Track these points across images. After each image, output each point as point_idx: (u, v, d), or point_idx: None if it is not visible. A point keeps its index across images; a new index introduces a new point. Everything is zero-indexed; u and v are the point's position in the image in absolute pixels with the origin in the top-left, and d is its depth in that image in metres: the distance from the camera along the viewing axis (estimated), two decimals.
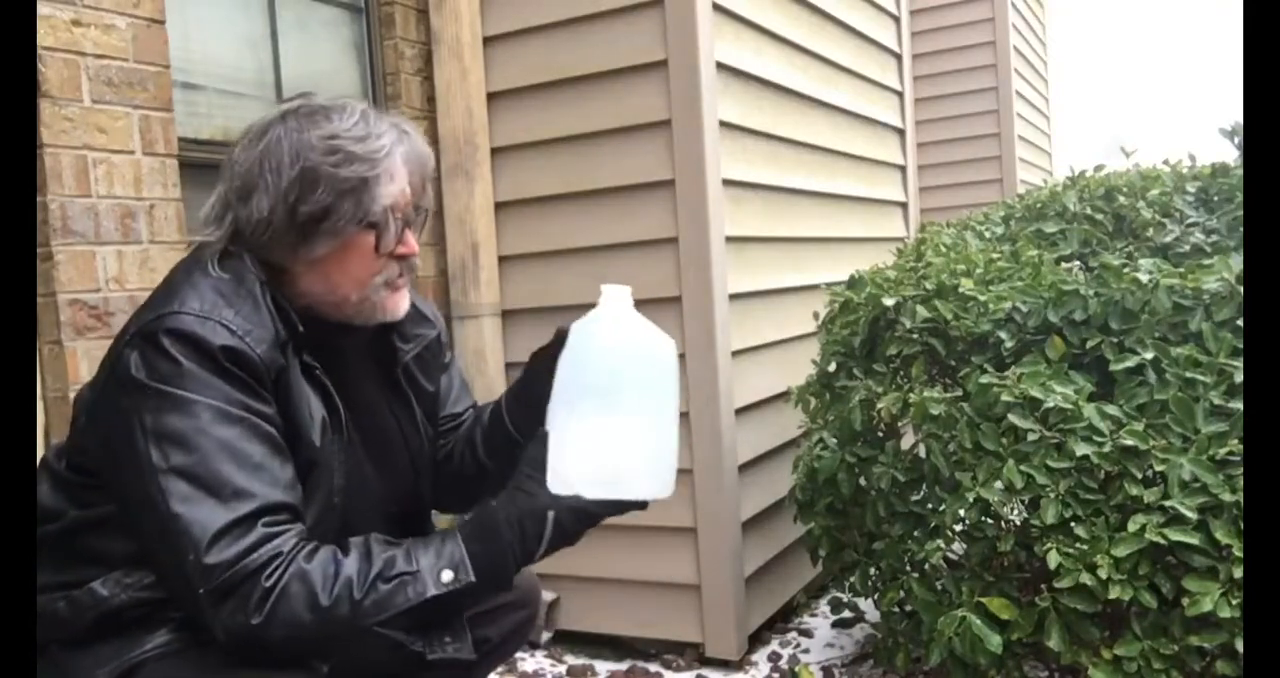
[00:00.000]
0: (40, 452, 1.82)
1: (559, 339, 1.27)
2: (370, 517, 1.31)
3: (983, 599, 1.79)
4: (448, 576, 1.12)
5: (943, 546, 1.89)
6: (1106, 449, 1.68)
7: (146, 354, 1.13)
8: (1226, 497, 1.58)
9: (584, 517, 1.18)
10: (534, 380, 1.34)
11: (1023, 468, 1.73)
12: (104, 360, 1.22)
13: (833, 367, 2.37)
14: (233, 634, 1.07)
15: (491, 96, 2.69)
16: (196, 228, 1.27)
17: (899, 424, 2.17)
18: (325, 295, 1.26)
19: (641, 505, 1.20)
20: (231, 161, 1.25)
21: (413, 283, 1.37)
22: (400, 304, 1.30)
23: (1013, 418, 1.77)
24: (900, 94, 3.96)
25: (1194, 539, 1.59)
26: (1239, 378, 1.66)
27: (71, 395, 1.85)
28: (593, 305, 1.24)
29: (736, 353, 2.58)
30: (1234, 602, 1.56)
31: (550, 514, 1.16)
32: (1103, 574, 1.63)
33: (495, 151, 2.70)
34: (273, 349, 1.17)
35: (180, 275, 1.22)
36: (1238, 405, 1.64)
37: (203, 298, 1.16)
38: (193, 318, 1.13)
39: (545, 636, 2.70)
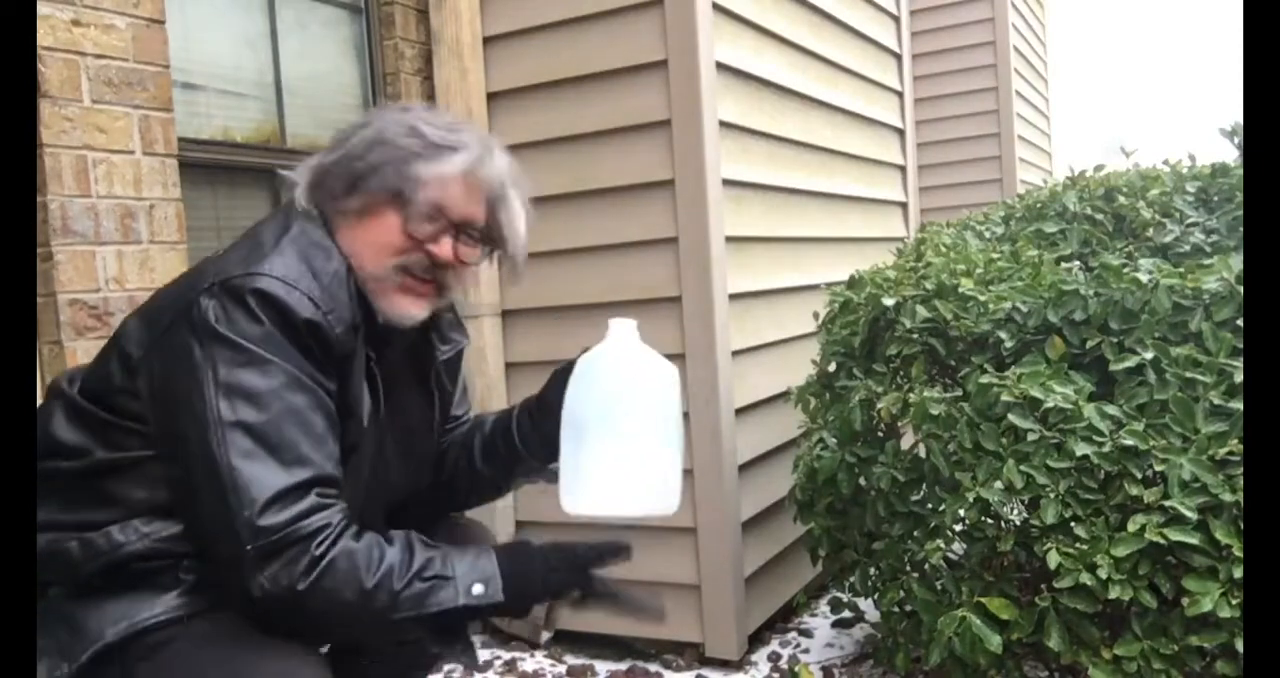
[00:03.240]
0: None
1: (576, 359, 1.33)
2: (376, 507, 1.34)
3: (983, 599, 1.79)
4: (479, 589, 1.16)
5: (943, 546, 1.89)
6: (1106, 449, 1.68)
7: (228, 307, 1.13)
8: (1226, 497, 1.58)
9: (602, 556, 1.26)
10: (549, 397, 1.39)
11: (1023, 468, 1.73)
12: (164, 299, 1.22)
13: (833, 367, 2.37)
14: (271, 596, 1.07)
15: (491, 96, 2.69)
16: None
17: (899, 424, 2.17)
18: (349, 257, 1.25)
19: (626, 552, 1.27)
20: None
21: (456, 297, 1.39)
22: (407, 309, 1.28)
23: (1013, 418, 1.77)
24: (900, 94, 3.96)
25: (1194, 539, 1.59)
26: (1239, 378, 1.66)
27: None
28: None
29: (736, 353, 2.58)
30: (1234, 602, 1.56)
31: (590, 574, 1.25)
32: (1103, 574, 1.63)
33: None
34: (349, 332, 1.20)
35: (269, 237, 1.22)
36: (1238, 405, 1.64)
37: (290, 266, 1.17)
38: (281, 283, 1.14)
39: (545, 636, 2.70)
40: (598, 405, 1.26)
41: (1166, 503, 1.62)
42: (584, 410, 1.27)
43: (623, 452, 1.24)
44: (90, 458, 1.20)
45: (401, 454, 1.38)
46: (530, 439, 1.44)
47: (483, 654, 2.67)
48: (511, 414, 1.49)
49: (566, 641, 2.71)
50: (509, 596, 1.18)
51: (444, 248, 1.26)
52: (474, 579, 1.16)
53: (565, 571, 1.24)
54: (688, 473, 2.50)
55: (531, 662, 2.62)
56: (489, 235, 1.31)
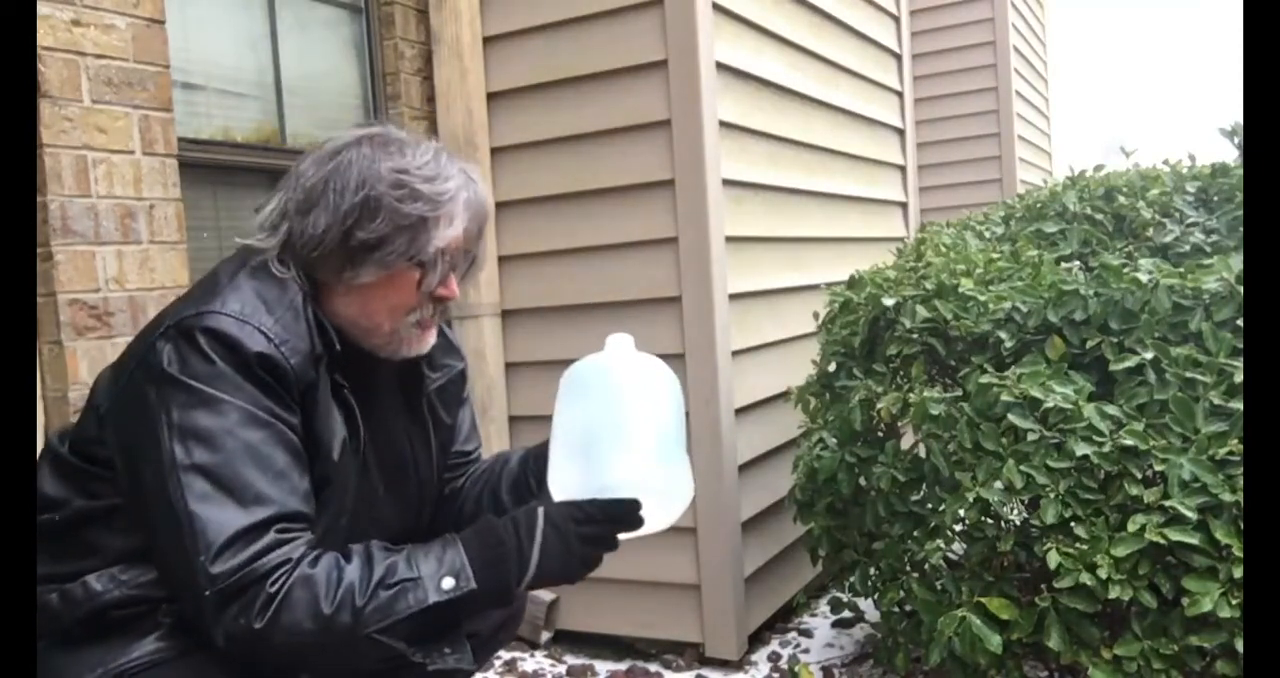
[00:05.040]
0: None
1: None
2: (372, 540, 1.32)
3: (983, 599, 1.79)
4: (449, 583, 1.12)
5: (943, 546, 1.89)
6: (1106, 449, 1.68)
7: (181, 349, 1.12)
8: (1226, 497, 1.58)
9: (578, 514, 1.18)
10: None
11: (1023, 468, 1.73)
12: (131, 347, 1.22)
13: (833, 367, 2.37)
14: (234, 639, 1.06)
15: (491, 96, 2.69)
16: (250, 231, 1.28)
17: (899, 424, 2.17)
18: (359, 319, 1.26)
19: (634, 512, 1.19)
20: (298, 173, 1.26)
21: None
22: (426, 342, 1.31)
23: (1013, 418, 1.77)
24: (900, 94, 3.96)
25: (1194, 539, 1.59)
26: (1239, 378, 1.66)
27: (72, 396, 1.85)
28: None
29: (736, 353, 2.58)
30: (1234, 602, 1.56)
31: (540, 511, 1.17)
32: (1103, 574, 1.63)
33: (495, 151, 2.70)
34: (306, 362, 1.18)
35: (224, 275, 1.22)
36: (1238, 405, 1.64)
37: (244, 301, 1.16)
38: (232, 320, 1.13)
39: (545, 636, 2.70)
40: (608, 412, 1.21)
41: (1166, 503, 1.62)
42: (590, 419, 1.21)
43: (638, 458, 1.19)
44: (70, 508, 1.21)
45: (391, 487, 1.36)
46: None
47: None
48: (526, 457, 1.48)
49: (566, 641, 2.71)
50: (484, 582, 1.13)
51: (451, 287, 1.28)
52: (443, 574, 1.12)
53: (540, 538, 1.16)
54: None
55: (531, 662, 2.62)
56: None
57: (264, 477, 1.10)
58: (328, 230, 1.20)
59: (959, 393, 1.92)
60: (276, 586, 1.06)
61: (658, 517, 1.21)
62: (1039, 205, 2.63)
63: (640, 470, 1.19)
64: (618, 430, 1.19)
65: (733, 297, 2.55)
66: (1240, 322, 1.72)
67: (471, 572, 1.13)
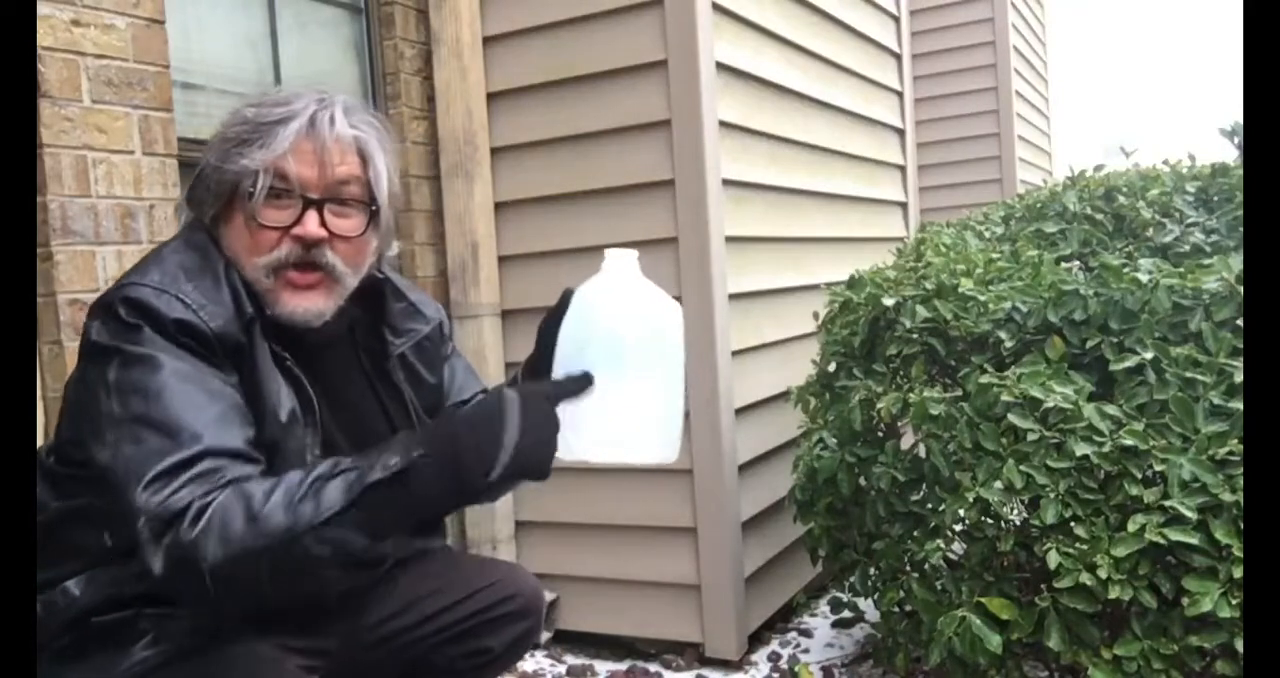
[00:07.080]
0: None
1: (564, 302, 1.26)
2: None
3: (983, 599, 1.79)
4: (395, 460, 1.04)
5: (943, 546, 1.89)
6: (1106, 449, 1.68)
7: (106, 321, 1.15)
8: (1226, 497, 1.58)
9: (550, 390, 1.12)
10: (546, 348, 1.31)
11: (1023, 468, 1.73)
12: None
13: (833, 367, 2.37)
14: (171, 559, 1.02)
15: (491, 96, 2.69)
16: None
17: (899, 424, 2.17)
18: (238, 268, 1.23)
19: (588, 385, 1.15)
20: None
21: (403, 275, 1.36)
22: (299, 304, 1.22)
23: (1013, 418, 1.77)
24: (900, 94, 3.96)
25: (1194, 539, 1.59)
26: (1239, 378, 1.66)
27: None
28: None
29: (736, 353, 2.58)
30: (1234, 602, 1.56)
31: (507, 390, 1.10)
32: (1103, 574, 1.63)
33: (495, 151, 2.70)
34: (230, 326, 1.17)
35: (151, 253, 1.24)
36: (1238, 405, 1.64)
37: (164, 272, 1.18)
38: (150, 289, 1.15)
39: (545, 636, 2.70)
40: (598, 344, 1.16)
41: (1166, 503, 1.62)
42: (579, 351, 1.18)
43: (625, 395, 1.15)
44: (48, 510, 1.21)
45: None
46: None
47: None
48: (516, 377, 1.43)
49: (566, 640, 2.71)
50: (436, 451, 1.04)
51: (307, 226, 1.20)
52: (391, 455, 1.04)
53: (518, 412, 1.07)
54: (688, 473, 2.50)
55: (531, 662, 2.62)
56: (370, 197, 1.25)
57: (200, 419, 1.09)
58: (197, 174, 1.25)
59: (959, 393, 1.92)
60: (209, 498, 1.03)
61: (655, 461, 1.20)
62: (1039, 205, 2.63)
63: (649, 435, 1.18)
64: (628, 389, 1.16)
65: (733, 297, 2.55)
66: (1240, 322, 1.72)
67: (421, 449, 1.04)
